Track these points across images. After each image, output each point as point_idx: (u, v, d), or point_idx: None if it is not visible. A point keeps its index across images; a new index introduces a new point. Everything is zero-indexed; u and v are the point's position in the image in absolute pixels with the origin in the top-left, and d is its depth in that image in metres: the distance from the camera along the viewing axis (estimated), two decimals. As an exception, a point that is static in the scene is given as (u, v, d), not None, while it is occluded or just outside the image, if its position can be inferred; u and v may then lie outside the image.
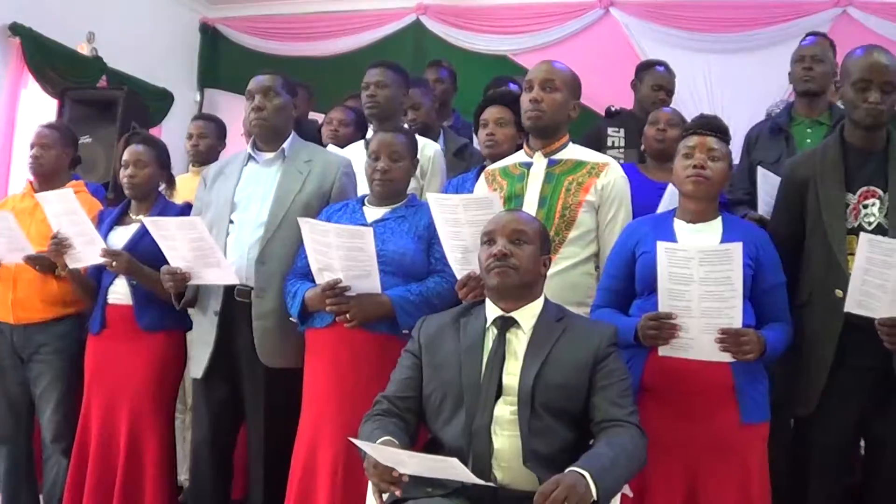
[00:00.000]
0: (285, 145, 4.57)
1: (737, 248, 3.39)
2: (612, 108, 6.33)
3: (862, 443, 4.28)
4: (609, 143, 6.00)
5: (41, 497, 5.17)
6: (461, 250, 3.86)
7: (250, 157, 4.62)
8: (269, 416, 4.42)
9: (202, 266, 4.35)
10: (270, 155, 4.57)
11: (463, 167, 5.26)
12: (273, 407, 4.41)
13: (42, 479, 5.13)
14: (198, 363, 4.52)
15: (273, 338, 4.37)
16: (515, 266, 3.31)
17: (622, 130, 6.04)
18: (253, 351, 4.36)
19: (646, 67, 6.25)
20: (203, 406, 4.58)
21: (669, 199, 4.43)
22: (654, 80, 6.09)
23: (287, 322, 4.33)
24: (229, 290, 4.41)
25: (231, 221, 4.48)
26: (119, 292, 4.75)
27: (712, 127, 3.84)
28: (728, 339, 3.45)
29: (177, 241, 4.34)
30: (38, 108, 8.70)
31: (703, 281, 3.42)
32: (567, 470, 2.88)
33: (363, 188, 4.66)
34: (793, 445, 4.10)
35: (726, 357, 3.49)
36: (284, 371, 4.38)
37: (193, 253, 4.32)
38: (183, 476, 5.07)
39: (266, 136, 4.57)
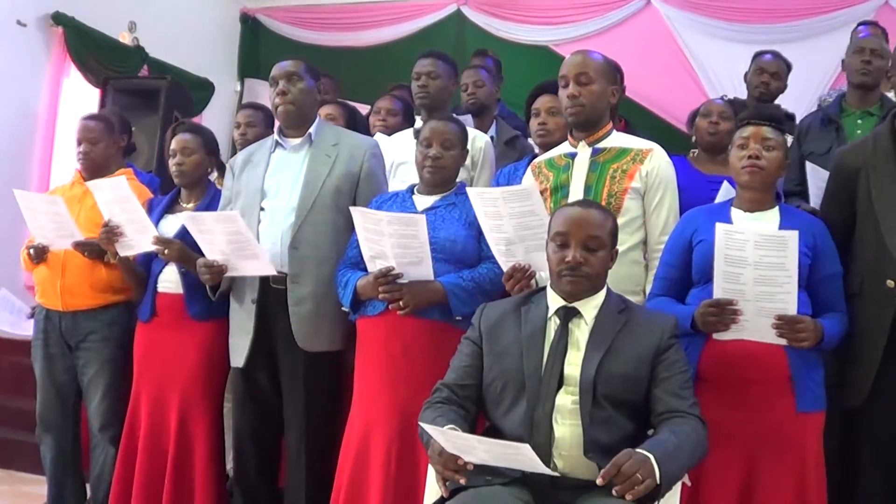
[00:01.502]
0: (311, 130, 4.58)
1: (793, 237, 3.38)
2: (724, 98, 6.30)
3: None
4: None
5: (88, 486, 5.19)
6: (505, 243, 3.85)
7: (277, 144, 4.63)
8: (309, 401, 4.44)
9: (239, 258, 4.37)
10: (297, 140, 4.58)
11: (514, 157, 5.25)
12: (313, 391, 4.44)
13: (89, 468, 5.14)
14: (238, 352, 4.53)
15: (310, 322, 4.39)
16: (588, 275, 3.30)
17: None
18: (291, 337, 4.37)
19: (757, 55, 6.19)
20: (246, 395, 4.59)
21: (724, 196, 4.39)
22: (757, 65, 6.07)
23: (323, 306, 4.37)
24: (265, 278, 4.42)
25: (262, 209, 4.50)
26: (169, 281, 4.76)
27: (767, 116, 3.82)
28: (784, 325, 3.45)
29: (214, 234, 4.36)
30: (81, 97, 8.77)
31: (757, 265, 3.41)
32: (633, 450, 2.89)
33: (406, 178, 4.68)
34: (843, 437, 4.08)
35: (782, 340, 3.49)
36: (323, 355, 4.42)
37: (231, 246, 4.34)
38: (230, 465, 5.07)
39: (292, 121, 4.57)
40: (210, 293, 4.57)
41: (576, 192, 4.01)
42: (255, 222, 4.46)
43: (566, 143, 4.21)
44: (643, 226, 4.06)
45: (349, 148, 4.57)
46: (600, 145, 4.09)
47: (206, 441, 4.71)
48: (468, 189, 4.00)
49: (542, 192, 3.98)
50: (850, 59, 5.20)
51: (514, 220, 3.76)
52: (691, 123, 5.28)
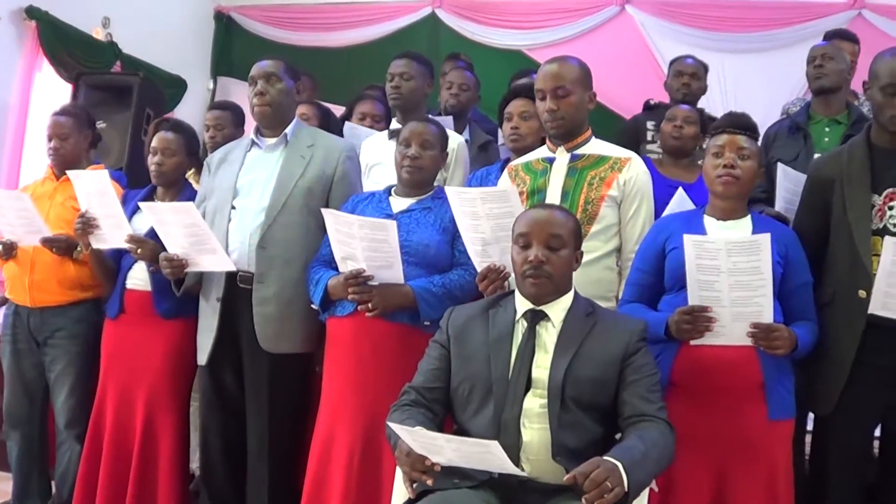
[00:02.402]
0: (288, 130, 4.57)
1: (765, 239, 3.39)
2: (651, 102, 6.33)
3: (876, 442, 4.27)
4: (648, 138, 6.06)
5: (53, 482, 5.17)
6: (480, 243, 3.84)
7: (253, 143, 4.62)
8: (273, 403, 4.42)
9: (198, 252, 4.36)
10: (273, 140, 4.57)
11: (487, 161, 5.24)
12: (276, 393, 4.42)
13: (55, 465, 5.12)
14: (202, 350, 4.52)
15: (274, 323, 4.38)
16: (550, 274, 3.29)
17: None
18: (255, 337, 4.37)
19: (674, 61, 6.30)
20: (212, 393, 4.58)
21: (677, 203, 4.40)
22: (675, 69, 6.15)
23: (289, 307, 4.37)
24: (231, 277, 4.41)
25: (233, 207, 4.48)
26: (138, 278, 4.75)
27: (741, 125, 3.83)
28: (759, 333, 3.46)
29: (172, 227, 4.35)
30: (53, 91, 8.71)
31: (731, 272, 3.42)
32: (602, 458, 2.87)
33: (380, 179, 4.67)
34: (813, 444, 4.10)
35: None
36: (288, 357, 4.40)
37: (189, 239, 4.33)
38: (194, 464, 5.05)
39: (269, 122, 4.57)
40: (174, 288, 4.55)
41: (553, 197, 4.00)
42: (225, 220, 4.45)
43: (544, 147, 4.21)
44: (618, 233, 4.05)
45: (324, 150, 4.56)
46: (579, 151, 4.08)
47: (172, 439, 4.71)
48: (446, 188, 3.99)
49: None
50: (807, 70, 5.26)
51: (491, 221, 3.75)
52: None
